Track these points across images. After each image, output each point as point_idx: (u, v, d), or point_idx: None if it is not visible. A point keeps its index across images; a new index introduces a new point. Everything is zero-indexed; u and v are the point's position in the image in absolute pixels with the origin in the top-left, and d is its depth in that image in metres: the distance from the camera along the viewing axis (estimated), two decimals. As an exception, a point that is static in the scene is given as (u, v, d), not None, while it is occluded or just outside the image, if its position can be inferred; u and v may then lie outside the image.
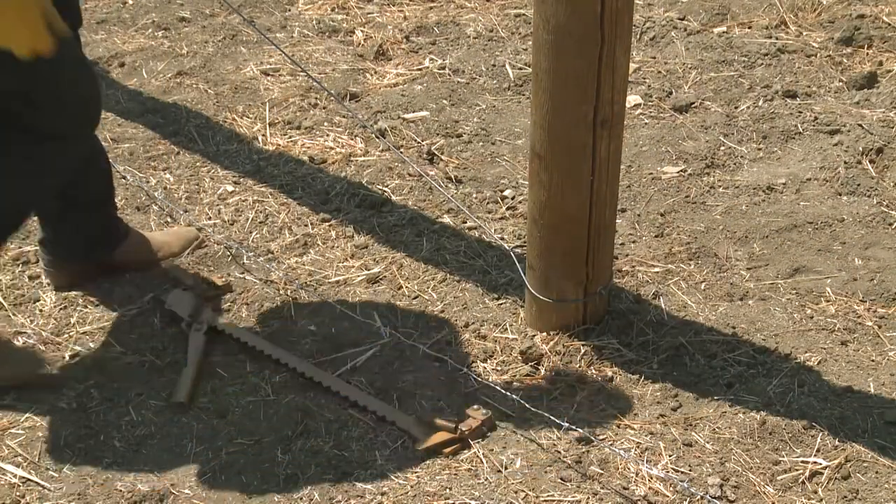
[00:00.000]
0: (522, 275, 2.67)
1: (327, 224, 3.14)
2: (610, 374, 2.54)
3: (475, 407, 2.42)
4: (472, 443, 2.37)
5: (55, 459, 2.35)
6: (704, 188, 3.29)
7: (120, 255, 2.90)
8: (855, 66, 3.97)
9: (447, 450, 2.35)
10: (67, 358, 2.65)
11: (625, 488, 2.22)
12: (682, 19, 4.32)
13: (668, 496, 2.21)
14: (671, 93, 3.82)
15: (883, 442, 2.33)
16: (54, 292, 2.87)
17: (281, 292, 2.86)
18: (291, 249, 3.03)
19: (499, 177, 3.36)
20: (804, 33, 4.20)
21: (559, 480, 2.25)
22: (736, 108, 3.71)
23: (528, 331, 2.68)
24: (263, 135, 3.59)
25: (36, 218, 2.79)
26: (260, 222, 3.15)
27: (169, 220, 3.18)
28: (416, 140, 3.54)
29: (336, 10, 4.48)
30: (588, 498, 2.21)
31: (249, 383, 2.55)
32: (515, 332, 2.68)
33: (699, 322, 2.71)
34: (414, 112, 3.71)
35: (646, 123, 3.66)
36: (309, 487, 2.25)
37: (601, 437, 2.35)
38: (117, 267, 2.91)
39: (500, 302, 2.80)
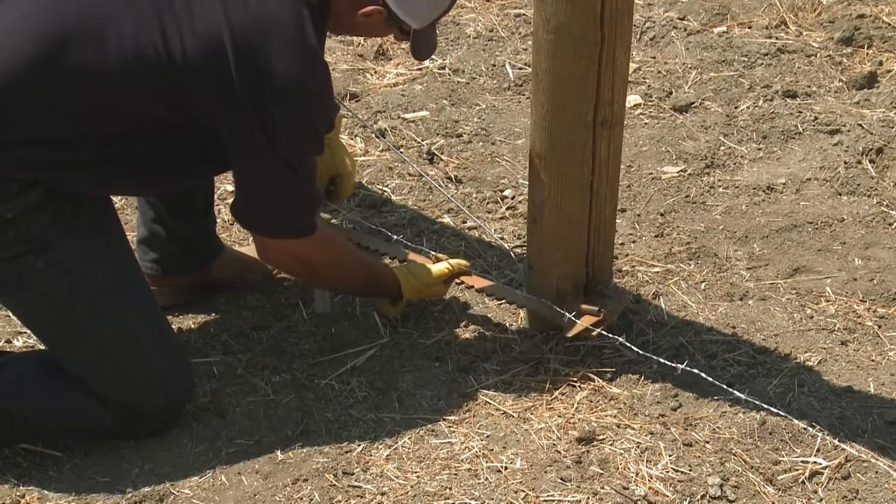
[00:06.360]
0: (522, 275, 2.67)
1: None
2: (610, 374, 2.54)
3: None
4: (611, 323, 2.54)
5: (55, 459, 2.34)
6: (704, 188, 3.29)
7: (215, 270, 2.82)
8: (855, 66, 3.97)
9: (594, 333, 2.49)
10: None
11: (625, 488, 2.22)
12: (682, 19, 4.32)
13: (668, 496, 2.21)
14: (671, 93, 3.82)
15: (883, 442, 2.33)
16: None
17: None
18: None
19: (499, 177, 3.36)
20: (804, 33, 4.20)
21: (559, 480, 2.25)
22: (736, 108, 3.71)
23: (528, 331, 2.68)
24: (263, 135, 3.58)
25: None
26: (260, 222, 3.14)
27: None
28: (416, 140, 3.54)
29: (336, 10, 4.48)
30: (588, 498, 2.20)
31: (249, 383, 2.55)
32: (515, 332, 2.68)
33: (699, 322, 2.71)
34: (414, 112, 3.71)
35: (646, 123, 3.66)
36: (309, 487, 2.25)
37: (601, 437, 2.35)
38: (210, 283, 2.83)
39: (501, 302, 2.80)
